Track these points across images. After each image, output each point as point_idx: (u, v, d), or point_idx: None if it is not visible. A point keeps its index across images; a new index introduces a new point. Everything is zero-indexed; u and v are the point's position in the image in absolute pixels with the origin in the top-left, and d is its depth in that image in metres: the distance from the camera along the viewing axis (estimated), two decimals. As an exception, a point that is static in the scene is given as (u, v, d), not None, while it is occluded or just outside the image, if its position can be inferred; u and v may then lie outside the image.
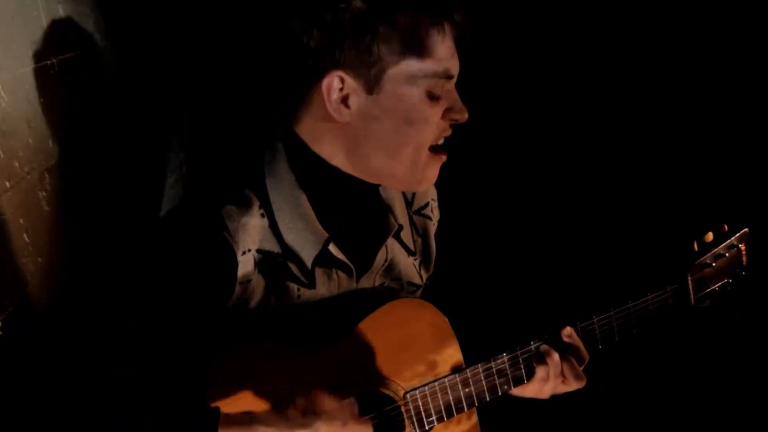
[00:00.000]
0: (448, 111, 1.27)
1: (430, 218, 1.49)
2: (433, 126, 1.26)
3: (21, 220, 1.23)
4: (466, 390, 1.36)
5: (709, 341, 2.19)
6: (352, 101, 1.23)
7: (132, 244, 1.30)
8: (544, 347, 1.40)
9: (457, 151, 1.35)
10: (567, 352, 1.41)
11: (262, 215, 1.25)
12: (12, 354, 1.15)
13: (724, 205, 1.67)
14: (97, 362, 1.07)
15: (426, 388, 1.33)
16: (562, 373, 1.39)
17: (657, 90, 2.28)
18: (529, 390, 1.42)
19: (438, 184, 1.41)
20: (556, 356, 1.39)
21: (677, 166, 2.28)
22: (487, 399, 1.39)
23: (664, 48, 2.24)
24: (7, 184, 1.20)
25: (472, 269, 2.16)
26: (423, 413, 1.33)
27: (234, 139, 2.03)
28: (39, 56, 1.34)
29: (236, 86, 2.09)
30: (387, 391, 1.31)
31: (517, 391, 1.42)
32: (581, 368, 1.41)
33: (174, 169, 2.07)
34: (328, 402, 1.17)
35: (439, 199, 1.53)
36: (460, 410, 1.36)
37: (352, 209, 1.33)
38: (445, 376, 1.35)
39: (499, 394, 1.40)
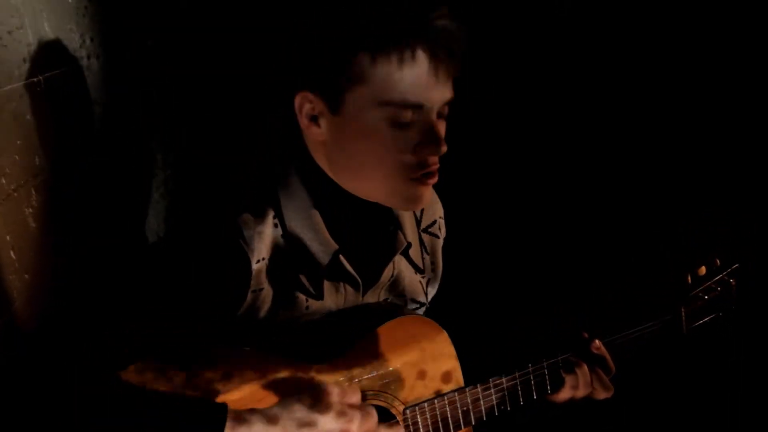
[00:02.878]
0: (419, 144, 1.22)
1: (437, 236, 1.51)
2: (403, 156, 1.22)
3: (8, 237, 1.23)
4: (464, 408, 1.37)
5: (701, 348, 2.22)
6: (321, 121, 1.24)
7: (148, 251, 1.31)
8: (572, 358, 1.42)
9: (460, 161, 1.34)
10: (595, 364, 1.44)
11: (276, 225, 1.25)
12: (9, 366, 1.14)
13: (718, 238, 1.71)
14: (104, 363, 1.07)
15: (426, 404, 1.34)
16: (591, 383, 1.42)
17: (652, 100, 2.29)
18: (560, 398, 1.44)
19: (444, 201, 1.42)
20: (584, 366, 1.42)
21: (675, 192, 2.30)
22: (485, 419, 1.39)
23: (667, 55, 2.25)
24: (-6, 200, 1.19)
25: (475, 285, 2.17)
26: (421, 429, 1.34)
27: (243, 149, 2.03)
28: (26, 73, 1.34)
29: (237, 96, 2.09)
30: (387, 406, 1.32)
31: (551, 398, 1.44)
32: (609, 379, 1.45)
33: (159, 185, 2.07)
34: (335, 395, 1.14)
35: (445, 216, 1.54)
36: (457, 428, 1.37)
37: (363, 224, 1.34)
38: (444, 394, 1.36)
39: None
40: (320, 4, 1.21)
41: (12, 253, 1.24)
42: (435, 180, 1.28)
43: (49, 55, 1.46)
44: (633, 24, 2.25)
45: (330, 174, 1.29)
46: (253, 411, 1.11)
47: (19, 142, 1.30)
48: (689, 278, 1.59)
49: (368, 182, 1.27)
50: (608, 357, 1.46)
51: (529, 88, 2.33)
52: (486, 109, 2.15)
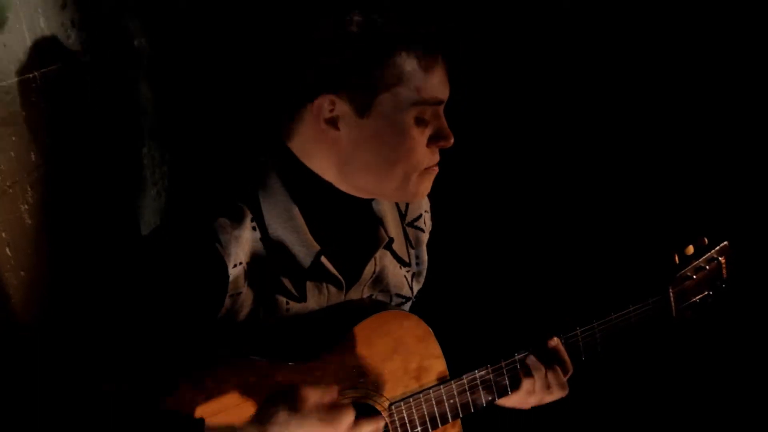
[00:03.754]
0: (433, 137, 1.28)
1: (422, 230, 1.51)
2: (420, 151, 1.27)
3: (3, 234, 1.22)
4: (451, 401, 1.36)
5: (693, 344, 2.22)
6: (342, 124, 1.24)
7: (123, 257, 1.30)
8: (530, 359, 1.42)
9: (450, 159, 1.36)
10: (553, 362, 1.42)
11: (254, 228, 1.25)
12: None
13: (705, 216, 1.70)
14: (82, 374, 1.07)
15: (411, 399, 1.34)
16: (547, 383, 1.41)
17: (644, 96, 2.30)
18: (513, 401, 1.43)
19: (431, 196, 1.43)
20: (542, 368, 1.41)
21: (658, 177, 2.30)
22: (472, 410, 1.40)
23: (665, 51, 2.25)
24: (-10, 197, 1.19)
25: (457, 279, 2.17)
26: (408, 425, 1.34)
27: (224, 151, 2.03)
28: (21, 69, 1.34)
29: (226, 97, 2.09)
30: (372, 403, 1.32)
31: (501, 402, 1.43)
32: (565, 378, 1.43)
33: (156, 181, 2.07)
34: (311, 400, 1.15)
35: (432, 209, 1.55)
36: (444, 421, 1.37)
37: (344, 222, 1.34)
38: (429, 388, 1.36)
39: (484, 405, 1.41)
40: (360, 6, 1.22)
41: (8, 249, 1.23)
42: (437, 169, 1.32)
43: (45, 51, 1.46)
44: (634, 20, 2.25)
45: (331, 175, 1.28)
46: (229, 428, 1.13)
47: (14, 138, 1.29)
48: (676, 258, 1.57)
49: (381, 182, 1.28)
50: (565, 355, 1.45)
51: (521, 81, 2.33)
52: (474, 104, 2.15)
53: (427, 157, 1.29)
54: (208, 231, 1.20)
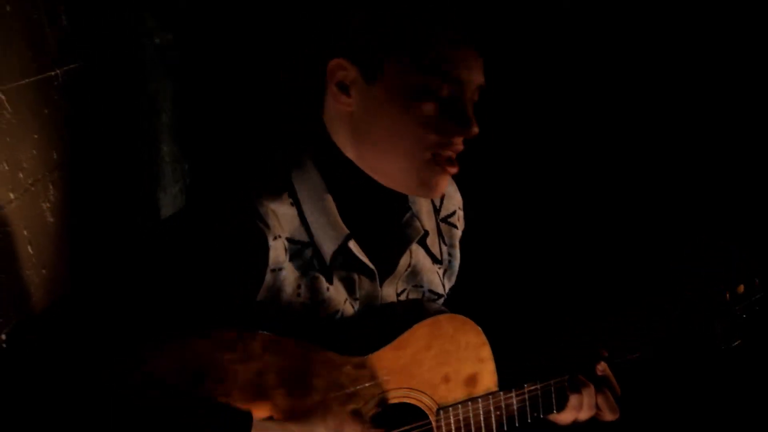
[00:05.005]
0: (450, 119, 1.22)
1: (456, 227, 1.48)
2: (431, 129, 1.21)
3: (25, 232, 1.23)
4: (498, 413, 1.35)
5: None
6: (353, 90, 1.22)
7: (160, 234, 1.28)
8: (579, 379, 1.41)
9: (480, 156, 1.33)
10: (602, 384, 1.41)
11: (291, 204, 1.23)
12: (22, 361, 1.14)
13: (757, 259, 1.69)
14: (122, 361, 1.05)
15: (459, 406, 1.32)
16: (596, 404, 1.40)
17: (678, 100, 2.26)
18: (562, 417, 1.42)
19: (463, 194, 1.41)
20: (591, 387, 1.40)
21: (710, 214, 2.27)
22: (517, 425, 1.38)
23: (670, 50, 2.22)
24: (11, 195, 1.19)
25: (493, 283, 2.15)
26: (453, 431, 1.32)
27: (258, 136, 2.01)
28: (43, 67, 1.34)
29: (253, 82, 2.07)
30: (421, 405, 1.30)
31: (552, 417, 1.43)
32: (615, 400, 1.43)
33: (178, 179, 2.07)
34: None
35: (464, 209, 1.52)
36: None
37: (377, 210, 1.31)
38: (479, 397, 1.34)
39: (529, 420, 1.39)
40: None
41: (29, 247, 1.23)
42: (455, 170, 1.25)
43: (66, 49, 1.46)
44: (634, 21, 2.22)
45: (350, 152, 1.26)
46: (278, 424, 1.11)
47: (36, 136, 1.30)
48: (728, 295, 1.58)
49: (389, 159, 1.23)
50: (612, 378, 1.44)
51: (557, 86, 2.31)
52: (508, 105, 2.13)
53: (440, 140, 1.22)
54: (245, 203, 1.18)
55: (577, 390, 1.40)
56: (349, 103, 1.22)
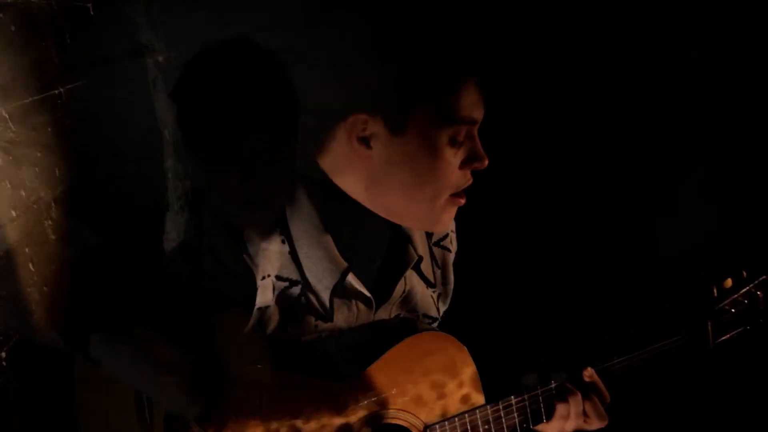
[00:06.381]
0: (467, 159, 1.27)
1: (449, 250, 1.49)
2: (453, 173, 1.26)
3: (26, 249, 1.23)
4: (486, 427, 1.35)
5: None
6: (375, 142, 1.23)
7: (146, 269, 1.30)
8: (566, 387, 1.40)
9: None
10: (589, 391, 1.41)
11: (283, 242, 1.25)
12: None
13: (744, 251, 1.68)
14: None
15: (446, 423, 1.32)
16: (584, 412, 1.40)
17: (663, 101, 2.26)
18: (551, 428, 1.42)
19: (456, 216, 1.41)
20: (578, 395, 1.39)
21: (698, 211, 2.27)
22: None
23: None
24: (14, 213, 1.20)
25: (488, 302, 2.15)
26: None
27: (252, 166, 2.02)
28: (47, 86, 1.35)
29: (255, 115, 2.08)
30: (407, 425, 1.30)
31: (539, 428, 1.42)
32: (603, 408, 1.42)
33: (180, 195, 2.07)
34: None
35: (457, 230, 1.53)
36: None
37: (372, 240, 1.33)
38: (465, 412, 1.34)
39: (518, 431, 1.39)
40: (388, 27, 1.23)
41: (31, 265, 1.24)
42: (464, 201, 1.30)
43: (71, 66, 1.47)
44: (634, 20, 2.22)
45: (359, 195, 1.27)
46: None
47: (39, 154, 1.30)
48: (715, 291, 1.56)
49: (410, 202, 1.27)
50: (601, 384, 1.43)
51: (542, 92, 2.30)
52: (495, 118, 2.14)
53: (460, 179, 1.28)
54: (235, 242, 1.20)
55: (564, 399, 1.39)
56: (369, 155, 1.24)
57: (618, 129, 2.31)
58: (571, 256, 2.34)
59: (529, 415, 1.38)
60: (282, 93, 1.31)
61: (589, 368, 1.42)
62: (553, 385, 1.40)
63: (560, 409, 1.39)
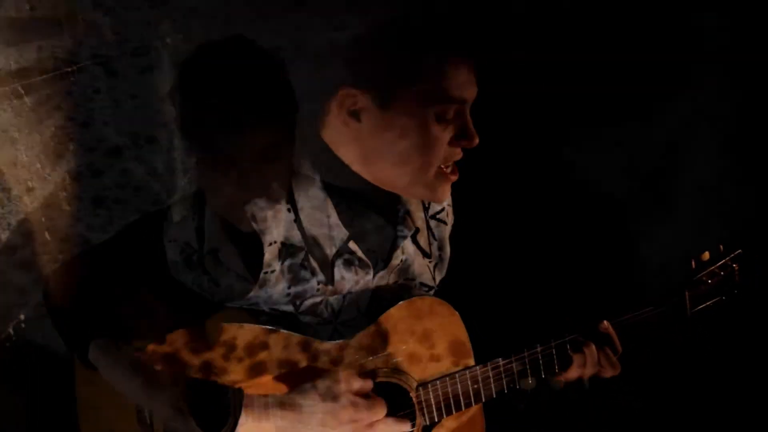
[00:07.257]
0: (457, 136, 1.31)
1: (445, 222, 1.54)
2: (441, 149, 1.30)
3: (43, 219, 1.28)
4: (475, 386, 1.40)
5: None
6: (364, 116, 1.28)
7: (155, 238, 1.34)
8: (580, 338, 1.45)
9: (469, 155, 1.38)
10: (603, 342, 1.47)
11: (288, 210, 1.30)
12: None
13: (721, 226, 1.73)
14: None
15: (438, 382, 1.38)
16: (598, 362, 1.45)
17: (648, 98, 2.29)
18: (569, 376, 1.47)
19: (452, 189, 1.46)
20: (591, 345, 1.45)
21: (679, 188, 2.29)
22: (495, 394, 1.43)
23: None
24: (30, 184, 1.24)
25: (485, 270, 2.18)
26: (433, 405, 1.38)
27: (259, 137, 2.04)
28: (61, 63, 1.39)
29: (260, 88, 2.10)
30: (401, 383, 1.36)
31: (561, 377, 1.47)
32: (616, 357, 1.48)
33: (187, 170, 2.10)
34: (344, 385, 1.23)
35: (453, 203, 1.58)
36: (468, 404, 1.41)
37: (373, 210, 1.38)
38: (456, 372, 1.39)
39: (506, 391, 1.44)
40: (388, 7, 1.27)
41: (47, 233, 1.28)
42: (456, 176, 1.35)
43: (83, 46, 1.50)
44: (634, 20, 2.24)
45: (357, 166, 1.33)
46: (267, 397, 1.19)
47: (53, 128, 1.34)
48: (693, 263, 1.62)
49: (401, 174, 1.32)
50: (615, 336, 1.48)
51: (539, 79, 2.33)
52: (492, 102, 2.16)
53: (448, 153, 1.32)
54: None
55: (579, 350, 1.45)
56: (359, 128, 1.29)
57: (619, 126, 2.33)
58: (558, 230, 2.36)
59: (541, 366, 1.43)
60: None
61: (605, 321, 1.48)
62: (567, 338, 1.45)
63: (577, 359, 1.45)
